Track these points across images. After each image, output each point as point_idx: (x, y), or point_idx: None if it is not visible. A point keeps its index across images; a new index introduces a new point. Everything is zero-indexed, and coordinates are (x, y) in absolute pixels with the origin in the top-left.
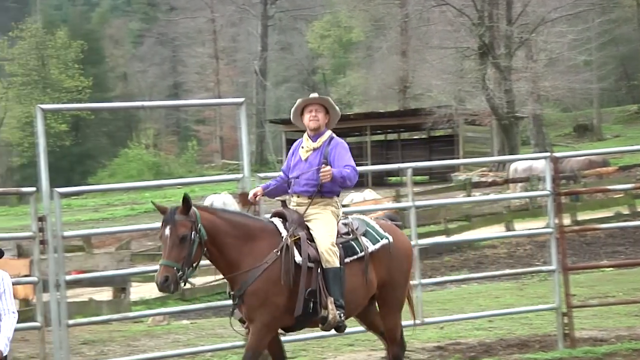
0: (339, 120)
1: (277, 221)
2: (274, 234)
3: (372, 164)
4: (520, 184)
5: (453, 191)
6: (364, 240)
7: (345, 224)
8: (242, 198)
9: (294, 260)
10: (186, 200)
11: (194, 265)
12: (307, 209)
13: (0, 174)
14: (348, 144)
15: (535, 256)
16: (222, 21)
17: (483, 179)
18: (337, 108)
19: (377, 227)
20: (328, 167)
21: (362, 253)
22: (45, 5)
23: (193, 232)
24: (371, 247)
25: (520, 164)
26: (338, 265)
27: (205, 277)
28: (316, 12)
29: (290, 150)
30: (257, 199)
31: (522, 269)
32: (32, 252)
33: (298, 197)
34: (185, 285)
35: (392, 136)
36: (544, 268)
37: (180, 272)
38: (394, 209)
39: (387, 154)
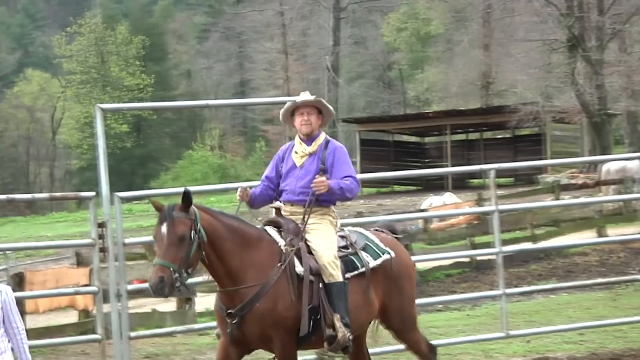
0: (417, 119)
1: (272, 230)
2: (271, 243)
3: (452, 166)
4: (613, 186)
5: (540, 194)
6: (364, 255)
7: (342, 237)
8: None
9: (295, 272)
10: (187, 196)
11: (191, 269)
12: (306, 218)
13: (59, 178)
14: (426, 144)
15: (630, 264)
16: (292, 14)
17: (572, 181)
18: (330, 108)
19: (377, 240)
20: (323, 178)
21: (363, 269)
22: None
23: (192, 232)
24: (372, 263)
25: (613, 165)
26: (342, 279)
27: None
28: (392, 4)
29: (278, 155)
30: (239, 199)
31: (615, 277)
32: (91, 260)
33: (292, 205)
34: (180, 290)
35: (473, 136)
36: (639, 277)
37: (177, 275)
38: (476, 213)
39: (469, 154)
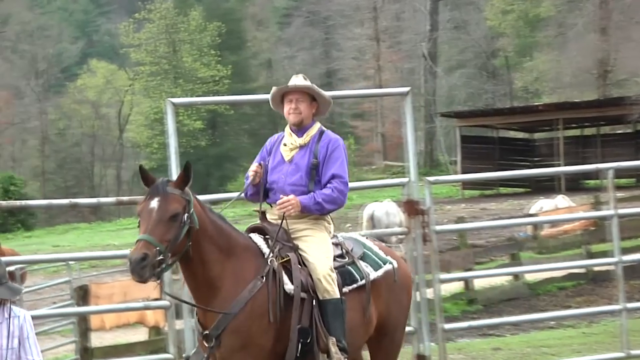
0: (525, 112)
1: (258, 238)
2: (257, 254)
3: (565, 165)
4: None
5: None
6: (363, 264)
7: (336, 245)
8: (408, 207)
9: (283, 289)
10: (187, 172)
11: (175, 257)
12: (275, 238)
13: (126, 180)
14: (535, 141)
15: None
16: None
17: None
18: (326, 96)
19: (375, 248)
20: (291, 196)
21: (363, 281)
22: None
23: (186, 215)
24: (373, 274)
25: None
26: (339, 295)
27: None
28: None
29: (265, 147)
30: (253, 175)
31: None
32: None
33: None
34: (160, 276)
35: (589, 131)
36: None
37: (162, 257)
38: (592, 218)
39: (584, 152)
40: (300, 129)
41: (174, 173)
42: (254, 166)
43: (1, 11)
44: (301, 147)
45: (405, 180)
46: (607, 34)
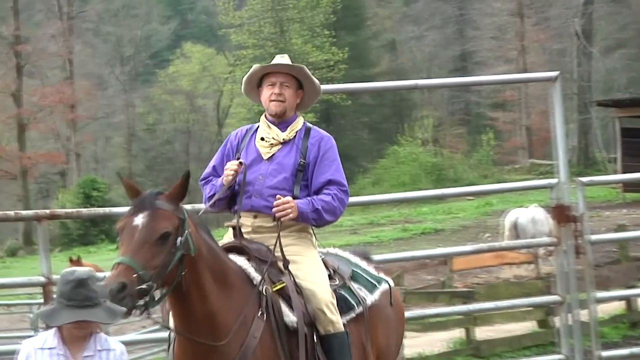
0: None
1: (241, 260)
2: (245, 281)
3: None
4: None
5: None
6: (356, 287)
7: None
8: (558, 213)
9: (284, 323)
10: (185, 180)
11: (165, 289)
12: (277, 245)
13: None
14: None
15: None
16: None
17: None
18: (315, 81)
19: (364, 265)
20: (289, 198)
21: (360, 308)
22: None
23: (179, 237)
24: (369, 298)
25: None
26: (343, 328)
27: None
28: None
29: (229, 142)
30: (233, 174)
31: None
32: None
33: (255, 217)
34: (144, 309)
35: None
36: None
37: (146, 285)
38: None
39: None
40: (281, 121)
41: None
42: (232, 164)
43: None
44: (284, 143)
45: (554, 181)
46: None
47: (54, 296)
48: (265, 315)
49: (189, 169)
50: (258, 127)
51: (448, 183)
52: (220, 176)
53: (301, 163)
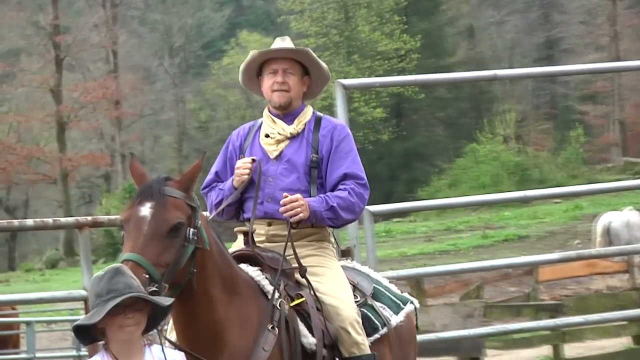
0: None
1: (252, 270)
2: (257, 293)
3: None
4: None
5: None
6: (378, 305)
7: None
8: None
9: (301, 344)
10: (199, 164)
11: (173, 290)
12: (285, 253)
13: None
14: None
15: None
16: None
17: None
18: (323, 65)
19: (386, 282)
20: (297, 196)
21: (385, 329)
22: None
23: (191, 229)
24: (394, 319)
25: None
26: (369, 351)
27: None
28: None
29: (231, 142)
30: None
31: None
32: None
33: (269, 224)
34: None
35: None
36: None
37: (155, 286)
38: None
39: None
40: (287, 113)
41: None
42: (244, 162)
43: None
44: (292, 137)
45: None
46: None
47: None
48: (277, 331)
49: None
50: (262, 123)
51: (533, 184)
52: (223, 179)
53: (313, 159)
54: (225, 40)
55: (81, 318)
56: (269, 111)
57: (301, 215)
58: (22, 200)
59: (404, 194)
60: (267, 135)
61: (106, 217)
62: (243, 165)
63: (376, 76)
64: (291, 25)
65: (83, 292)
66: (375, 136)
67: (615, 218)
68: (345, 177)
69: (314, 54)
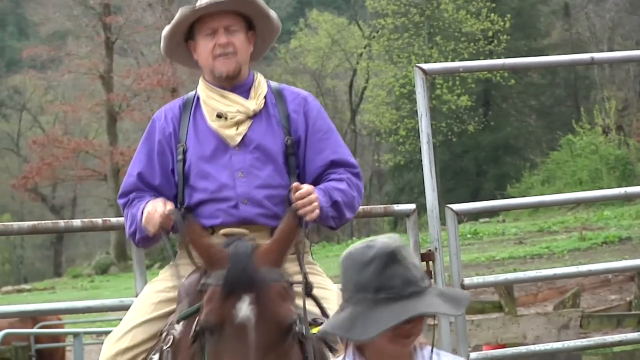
0: None
1: None
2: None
3: None
4: None
5: None
6: None
7: None
8: None
9: None
10: (293, 231)
11: None
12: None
13: (365, 183)
14: None
15: None
16: None
17: None
18: (271, 13)
19: None
20: (309, 188)
21: None
22: None
23: (300, 326)
24: None
25: None
26: None
27: None
28: None
29: (161, 127)
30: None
31: None
32: None
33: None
34: None
35: None
36: None
37: None
38: None
39: None
40: (236, 85)
41: (428, 171)
42: (157, 206)
43: None
44: (254, 116)
45: None
46: None
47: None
48: None
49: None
50: (197, 99)
51: (636, 180)
52: (149, 183)
53: (288, 142)
54: (293, 21)
55: (329, 321)
56: (211, 83)
57: (316, 213)
58: (69, 199)
59: (492, 191)
60: (219, 116)
61: None
62: (156, 212)
63: (461, 60)
64: (366, 3)
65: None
66: (460, 127)
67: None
68: (333, 164)
69: (260, 1)
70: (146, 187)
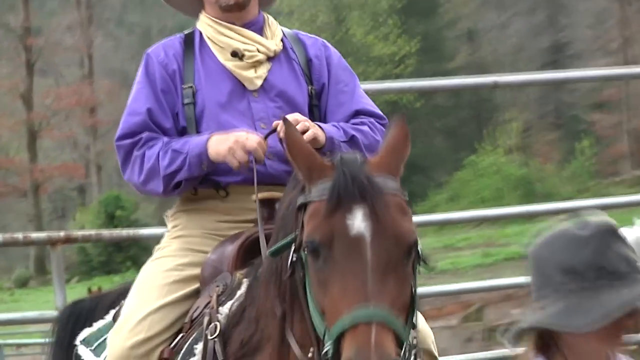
0: None
1: None
2: None
3: None
4: None
5: None
6: None
7: None
8: None
9: None
10: (406, 137)
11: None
12: None
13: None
14: None
15: None
16: None
17: None
18: None
19: None
20: (298, 116)
21: None
22: None
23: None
24: None
25: None
26: None
27: None
28: None
29: (163, 62)
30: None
31: None
32: None
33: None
34: None
35: None
36: None
37: (407, 349)
38: None
39: None
40: (247, 22)
41: None
42: (250, 139)
43: None
44: (273, 58)
45: None
46: None
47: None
48: None
49: None
50: (200, 36)
51: (537, 199)
52: (160, 124)
53: (312, 92)
54: None
55: (534, 316)
56: (218, 18)
57: (314, 131)
58: None
59: None
60: (234, 54)
61: (80, 232)
62: (247, 143)
63: (371, 81)
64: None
65: (55, 313)
66: None
67: (626, 235)
68: (357, 114)
69: None
70: (156, 124)
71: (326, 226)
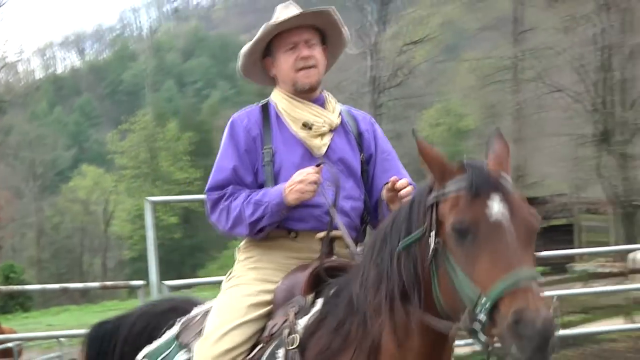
0: None
1: None
2: None
3: None
4: None
5: (570, 282)
6: None
7: None
8: None
9: None
10: (506, 148)
11: None
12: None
13: (111, 268)
14: None
15: None
16: None
17: (600, 270)
18: (344, 29)
19: None
20: (405, 181)
21: None
22: (156, 99)
23: None
24: None
25: (639, 254)
26: None
27: None
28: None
29: (247, 128)
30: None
31: None
32: None
33: (332, 241)
34: None
35: None
36: None
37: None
38: None
39: None
40: (314, 97)
41: (153, 261)
42: (309, 173)
43: (4, 123)
44: (335, 129)
45: None
46: (521, 144)
47: None
48: None
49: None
50: (273, 108)
51: None
52: (243, 179)
53: (363, 159)
54: (71, 170)
55: None
56: (289, 94)
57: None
58: None
59: (190, 274)
60: (305, 125)
61: None
62: (309, 178)
63: (172, 196)
64: (116, 161)
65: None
66: (170, 235)
67: None
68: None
69: (336, 13)
70: (239, 180)
71: (472, 211)
